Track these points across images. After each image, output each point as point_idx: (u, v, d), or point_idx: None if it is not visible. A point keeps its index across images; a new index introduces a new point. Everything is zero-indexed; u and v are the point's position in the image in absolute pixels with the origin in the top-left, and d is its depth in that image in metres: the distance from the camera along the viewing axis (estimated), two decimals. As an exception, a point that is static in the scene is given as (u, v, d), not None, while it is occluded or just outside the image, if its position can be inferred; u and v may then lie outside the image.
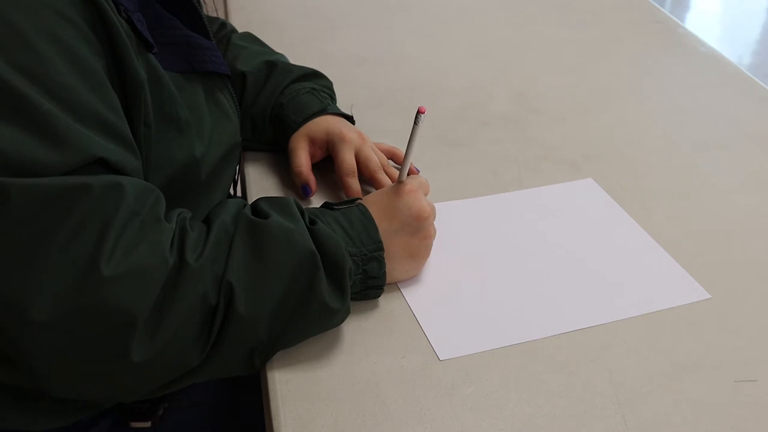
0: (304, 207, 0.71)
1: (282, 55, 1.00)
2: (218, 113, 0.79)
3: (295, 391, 0.65)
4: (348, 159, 0.87)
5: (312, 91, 0.93)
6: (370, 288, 0.72)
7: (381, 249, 0.71)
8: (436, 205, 0.81)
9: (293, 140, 0.90)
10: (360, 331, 0.71)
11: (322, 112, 0.91)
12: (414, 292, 0.76)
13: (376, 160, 0.88)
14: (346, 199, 0.85)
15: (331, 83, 0.98)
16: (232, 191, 0.92)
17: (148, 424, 0.82)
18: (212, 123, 0.77)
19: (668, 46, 1.30)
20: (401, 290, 0.76)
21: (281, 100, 0.92)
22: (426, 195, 0.79)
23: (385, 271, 0.71)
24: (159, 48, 0.69)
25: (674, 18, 1.40)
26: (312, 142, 0.90)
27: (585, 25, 1.36)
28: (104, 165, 0.59)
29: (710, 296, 0.76)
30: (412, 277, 0.77)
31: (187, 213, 0.67)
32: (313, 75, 0.96)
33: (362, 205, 0.73)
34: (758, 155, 1.00)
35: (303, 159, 0.89)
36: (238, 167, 0.92)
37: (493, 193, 0.91)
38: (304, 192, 0.88)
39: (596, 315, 0.74)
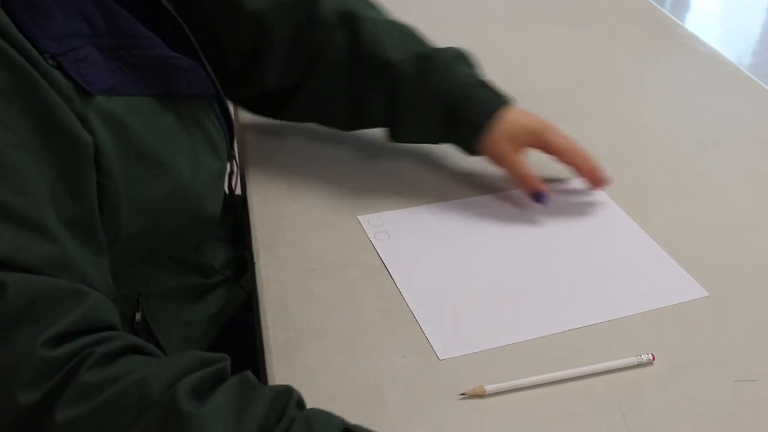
0: None
1: (418, 36, 0.90)
2: (201, 138, 0.74)
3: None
4: (567, 141, 0.84)
5: (483, 84, 0.87)
6: None
7: None
8: (435, 205, 0.81)
9: (497, 146, 0.85)
10: (360, 331, 0.71)
11: (503, 105, 0.86)
12: (413, 292, 0.76)
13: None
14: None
15: (469, 56, 0.91)
16: (233, 187, 0.91)
17: None
18: (194, 149, 0.72)
19: (668, 46, 1.30)
20: (400, 290, 0.76)
21: (453, 100, 0.85)
22: None
23: None
24: (130, 70, 0.65)
25: (674, 18, 1.40)
26: (516, 142, 0.85)
27: (585, 25, 1.36)
28: None
29: (708, 294, 0.76)
30: None
31: (121, 341, 0.54)
32: (463, 55, 0.90)
33: None
34: (758, 155, 1.00)
35: (525, 164, 0.85)
36: (230, 189, 0.88)
37: (492, 192, 0.91)
38: (540, 198, 0.84)
39: (595, 314, 0.74)
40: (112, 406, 0.49)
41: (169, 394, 0.50)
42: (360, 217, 0.85)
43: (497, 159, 0.87)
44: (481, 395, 0.65)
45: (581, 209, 0.88)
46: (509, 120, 0.85)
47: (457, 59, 0.88)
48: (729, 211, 0.89)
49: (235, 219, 0.92)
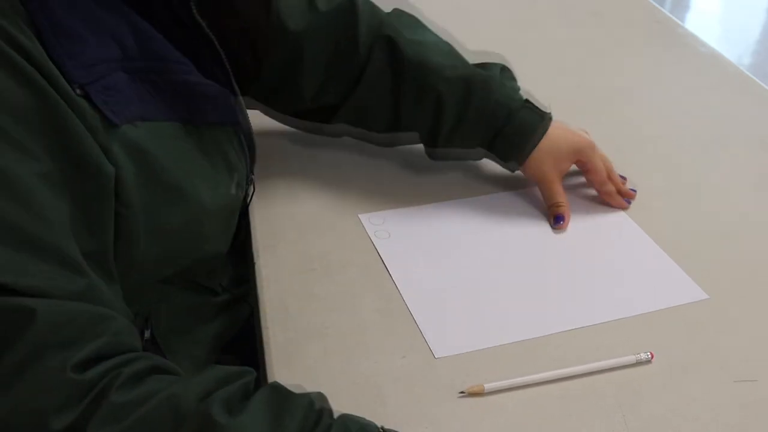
0: None
1: (460, 56, 0.90)
2: (222, 165, 0.72)
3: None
4: (601, 166, 0.88)
5: (525, 105, 0.87)
6: None
7: None
8: (436, 204, 0.81)
9: (539, 169, 0.87)
10: (360, 331, 0.71)
11: (545, 125, 0.87)
12: (412, 290, 0.76)
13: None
14: None
15: (511, 74, 0.93)
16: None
17: None
18: (215, 176, 0.71)
19: (668, 46, 1.30)
20: (399, 289, 0.76)
21: (496, 123, 0.86)
22: None
23: None
24: (158, 94, 0.64)
25: (674, 18, 1.40)
26: (559, 161, 0.87)
27: (585, 25, 1.36)
28: (4, 290, 0.50)
29: (708, 297, 0.76)
30: None
31: (147, 362, 0.54)
32: (505, 73, 0.91)
33: None
34: (758, 155, 1.00)
35: (562, 191, 0.87)
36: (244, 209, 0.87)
37: (493, 192, 0.91)
38: (558, 221, 0.85)
39: (594, 314, 0.74)
40: (145, 424, 0.49)
41: (202, 408, 0.50)
42: (361, 216, 0.86)
43: (537, 179, 0.88)
44: (480, 393, 0.65)
45: (582, 210, 0.88)
46: (552, 140, 0.87)
47: (499, 79, 0.88)
48: (729, 211, 0.89)
49: (244, 233, 0.92)
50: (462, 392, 0.65)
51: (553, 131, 0.87)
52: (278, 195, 0.89)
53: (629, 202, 0.89)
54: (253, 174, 0.83)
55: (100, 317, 0.54)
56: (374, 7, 0.90)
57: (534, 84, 1.15)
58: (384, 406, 0.64)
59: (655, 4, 1.45)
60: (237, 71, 0.76)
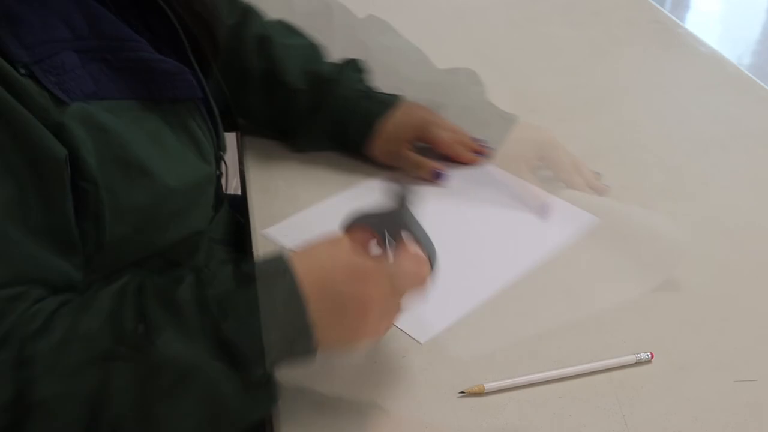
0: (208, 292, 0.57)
1: (319, 57, 0.98)
2: (187, 141, 0.72)
3: (294, 392, 0.65)
4: (448, 134, 0.93)
5: (367, 94, 0.94)
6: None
7: (311, 339, 0.58)
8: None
9: (384, 150, 0.92)
10: (360, 331, 0.71)
11: (384, 111, 0.92)
12: None
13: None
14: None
15: (361, 67, 0.98)
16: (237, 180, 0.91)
17: None
18: (180, 153, 0.71)
19: (668, 46, 1.30)
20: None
21: (339, 114, 0.93)
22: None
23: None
24: (113, 73, 0.64)
25: (674, 18, 1.40)
26: (400, 140, 0.92)
27: (585, 25, 1.36)
28: None
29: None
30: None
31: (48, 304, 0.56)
32: (354, 67, 0.97)
33: (291, 274, 0.57)
34: (758, 155, 1.00)
35: (412, 154, 0.92)
36: (219, 191, 0.87)
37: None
38: (439, 177, 0.91)
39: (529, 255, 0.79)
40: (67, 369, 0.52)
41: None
42: (269, 230, 0.84)
43: (387, 161, 0.93)
44: (480, 393, 0.65)
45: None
46: (393, 122, 0.92)
47: (347, 73, 0.94)
48: (729, 211, 0.89)
49: (234, 221, 0.92)
50: (462, 392, 0.65)
51: (394, 114, 0.92)
52: (278, 195, 0.89)
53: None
54: (222, 152, 0.82)
55: (7, 299, 0.54)
56: (259, 14, 1.00)
57: (534, 83, 1.15)
58: (384, 406, 0.64)
59: (655, 4, 1.45)
60: (200, 61, 0.78)
